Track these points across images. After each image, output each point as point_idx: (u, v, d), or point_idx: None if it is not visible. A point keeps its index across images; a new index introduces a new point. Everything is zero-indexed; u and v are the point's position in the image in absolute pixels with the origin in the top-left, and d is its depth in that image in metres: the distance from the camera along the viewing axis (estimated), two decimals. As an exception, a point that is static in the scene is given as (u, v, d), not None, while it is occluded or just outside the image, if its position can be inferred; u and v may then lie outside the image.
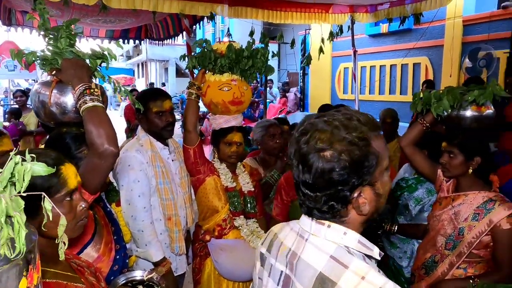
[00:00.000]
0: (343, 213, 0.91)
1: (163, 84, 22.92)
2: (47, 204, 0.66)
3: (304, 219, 0.98)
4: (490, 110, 2.11)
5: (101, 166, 1.39)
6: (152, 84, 18.23)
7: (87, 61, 1.58)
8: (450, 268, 1.98)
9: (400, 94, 8.86)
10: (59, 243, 0.83)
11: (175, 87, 23.01)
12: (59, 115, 1.59)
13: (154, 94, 2.25)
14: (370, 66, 9.59)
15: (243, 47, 2.27)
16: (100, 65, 1.62)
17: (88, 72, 1.51)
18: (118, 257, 1.60)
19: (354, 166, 0.86)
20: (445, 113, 2.09)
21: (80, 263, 1.21)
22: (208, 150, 3.61)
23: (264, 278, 1.05)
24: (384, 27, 8.88)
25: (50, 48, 1.50)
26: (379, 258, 0.91)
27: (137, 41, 7.81)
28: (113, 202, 2.07)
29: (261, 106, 9.77)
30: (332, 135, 0.87)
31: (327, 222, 0.92)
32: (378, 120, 3.91)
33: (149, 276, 1.48)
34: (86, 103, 1.40)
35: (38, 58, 1.52)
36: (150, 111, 2.17)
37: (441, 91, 2.09)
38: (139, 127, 2.28)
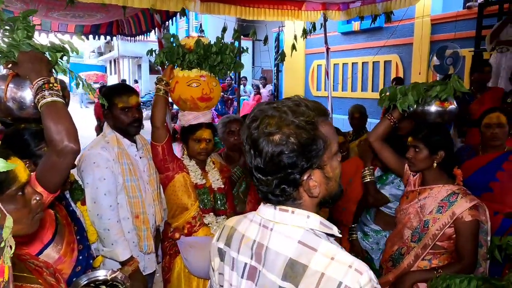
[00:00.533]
0: (296, 196, 0.94)
1: (136, 81, 22.51)
2: None
3: (265, 208, 1.00)
4: (452, 106, 2.17)
5: (61, 163, 1.33)
6: (124, 81, 17.87)
7: (47, 54, 1.51)
8: (416, 260, 2.02)
9: (372, 91, 9.04)
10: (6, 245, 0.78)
11: (149, 84, 22.66)
12: (16, 110, 1.52)
13: (119, 89, 2.20)
14: (343, 63, 9.74)
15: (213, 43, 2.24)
16: (61, 58, 1.55)
17: (47, 66, 1.45)
18: (81, 257, 1.56)
19: (302, 149, 0.89)
20: (411, 109, 2.13)
21: (38, 264, 1.17)
22: (180, 149, 3.54)
23: (226, 273, 1.06)
24: (356, 25, 9.03)
25: (6, 40, 1.43)
26: (339, 236, 0.95)
27: (108, 37, 7.63)
28: (78, 201, 2.01)
29: (235, 103, 9.75)
30: (280, 119, 0.90)
31: (290, 208, 0.95)
32: (348, 116, 3.95)
33: (113, 275, 1.44)
34: (44, 98, 1.34)
35: None
36: (115, 107, 2.12)
37: (406, 87, 2.13)
38: (105, 124, 2.22)
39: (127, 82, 19.89)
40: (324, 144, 0.92)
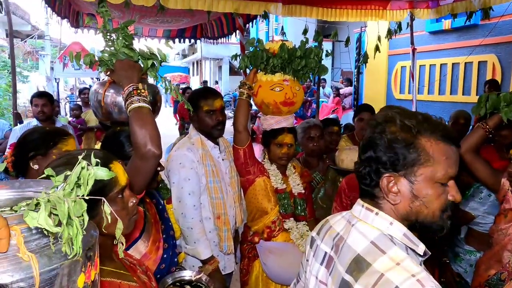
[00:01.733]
0: (376, 193, 0.97)
1: (216, 82, 23.35)
2: (107, 208, 0.70)
3: (356, 206, 1.04)
4: None
5: (143, 167, 1.38)
6: (205, 82, 18.64)
7: (140, 62, 1.60)
8: None
9: (463, 94, 8.33)
10: (117, 243, 0.85)
11: (228, 85, 23.37)
12: (115, 114, 1.63)
13: (205, 93, 2.27)
14: (430, 65, 9.11)
15: (297, 46, 2.21)
16: (152, 65, 1.64)
17: (138, 73, 1.53)
18: (165, 256, 1.62)
19: (390, 146, 0.92)
20: None
21: (132, 261, 1.23)
22: (258, 149, 3.60)
23: (310, 258, 1.13)
24: (446, 23, 8.38)
25: (108, 49, 1.55)
26: (422, 254, 0.93)
27: (192, 40, 8.01)
28: (164, 200, 2.11)
29: (314, 105, 9.64)
30: (389, 118, 0.96)
31: (375, 210, 0.97)
32: (450, 120, 3.64)
33: (198, 276, 1.48)
34: (132, 103, 1.41)
35: (95, 60, 1.58)
36: (201, 110, 2.19)
37: (510, 94, 1.90)
38: (191, 126, 2.31)
39: (208, 83, 20.72)
40: (419, 157, 0.91)
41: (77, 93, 7.58)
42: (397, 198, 0.94)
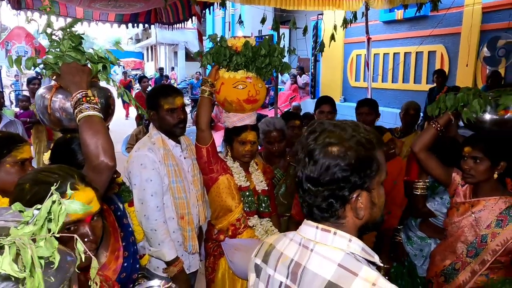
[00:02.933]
0: (341, 214, 0.94)
1: (173, 69, 22.83)
2: (80, 246, 0.64)
3: (306, 227, 0.99)
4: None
5: (96, 179, 1.27)
6: (161, 69, 18.14)
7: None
8: (473, 276, 1.93)
9: (414, 82, 8.71)
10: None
11: (185, 71, 22.92)
12: (64, 121, 1.53)
13: (165, 90, 2.19)
14: (384, 54, 9.41)
15: (254, 35, 2.17)
16: (102, 68, 1.53)
17: (87, 78, 1.43)
18: (126, 264, 1.56)
19: (357, 165, 0.90)
20: (474, 116, 1.98)
21: (101, 279, 1.18)
22: (218, 137, 3.51)
23: None
24: (399, 14, 8.67)
25: (53, 50, 1.43)
26: (380, 265, 0.95)
27: (146, 25, 7.72)
28: (126, 203, 2.04)
29: (272, 93, 9.68)
30: (341, 133, 0.93)
31: (333, 229, 0.94)
32: (401, 111, 3.78)
33: (166, 286, 1.45)
34: (81, 112, 1.32)
35: (38, 64, 1.45)
36: (161, 108, 2.12)
37: (467, 94, 1.97)
38: (151, 125, 2.24)
39: (164, 70, 20.18)
40: (377, 168, 0.93)
41: (26, 83, 7.07)
42: (362, 212, 0.94)
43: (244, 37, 2.16)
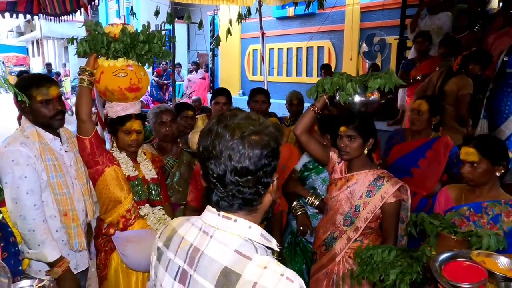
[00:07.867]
0: (262, 200, 1.00)
1: (64, 65, 21.01)
2: None
3: (209, 214, 1.01)
4: (376, 96, 2.27)
5: None
6: (49, 64, 16.61)
7: None
8: (348, 242, 2.15)
9: (306, 76, 9.27)
10: None
11: (78, 68, 21.26)
12: None
13: (36, 80, 2.03)
14: (278, 48, 9.85)
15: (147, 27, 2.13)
16: None
17: None
18: None
19: (275, 153, 0.98)
20: (350, 99, 2.16)
21: None
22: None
23: (159, 273, 1.07)
24: (290, 11, 9.15)
25: None
26: (277, 250, 1.01)
27: (28, 16, 7.01)
28: (-3, 202, 1.86)
29: (170, 88, 9.53)
30: (255, 124, 0.98)
31: (233, 217, 0.98)
32: (286, 102, 4.00)
33: (40, 284, 1.33)
34: None
35: None
36: (34, 100, 1.96)
37: (341, 79, 2.14)
38: (23, 118, 2.06)
39: (53, 66, 18.51)
40: (278, 158, 1.00)
41: None
42: (275, 194, 1.03)
43: (123, 24, 2.11)
